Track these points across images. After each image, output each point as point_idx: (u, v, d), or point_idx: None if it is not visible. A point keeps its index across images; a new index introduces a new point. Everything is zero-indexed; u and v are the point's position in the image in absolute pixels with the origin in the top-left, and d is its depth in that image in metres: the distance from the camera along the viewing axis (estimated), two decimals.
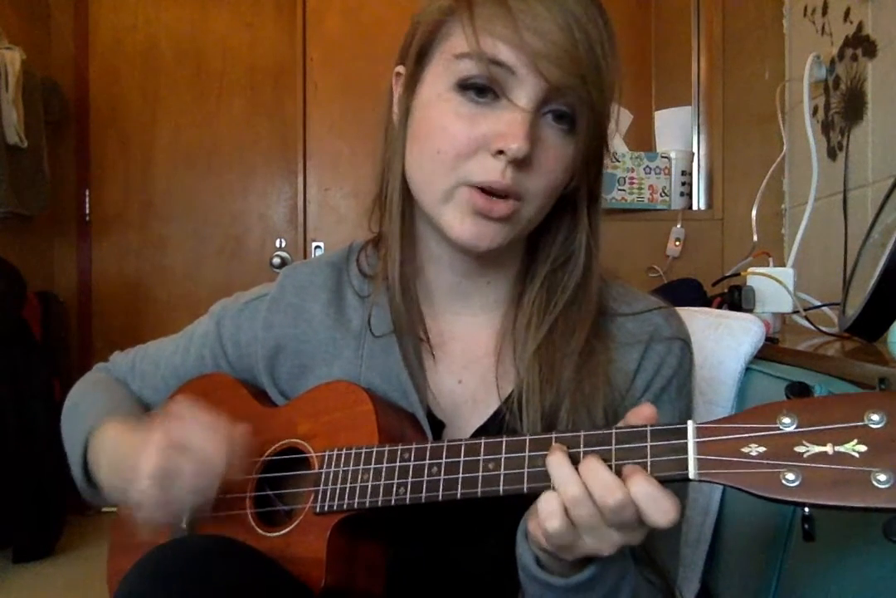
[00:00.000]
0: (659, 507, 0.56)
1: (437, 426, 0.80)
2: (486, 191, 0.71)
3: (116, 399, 0.95)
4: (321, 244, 2.91)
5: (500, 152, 0.70)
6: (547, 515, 0.58)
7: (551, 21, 0.68)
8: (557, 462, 0.59)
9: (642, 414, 0.60)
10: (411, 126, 0.77)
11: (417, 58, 0.76)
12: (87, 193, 3.29)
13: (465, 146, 0.71)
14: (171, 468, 0.72)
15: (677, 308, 0.86)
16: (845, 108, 1.52)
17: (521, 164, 0.70)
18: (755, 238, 1.69)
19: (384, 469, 0.70)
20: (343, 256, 0.90)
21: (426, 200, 0.76)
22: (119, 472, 0.79)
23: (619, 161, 2.05)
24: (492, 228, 0.73)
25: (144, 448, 0.73)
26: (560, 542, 0.59)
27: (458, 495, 0.65)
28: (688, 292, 1.64)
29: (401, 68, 0.80)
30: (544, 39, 0.68)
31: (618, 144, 2.08)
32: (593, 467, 0.58)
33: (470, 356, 0.83)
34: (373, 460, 0.71)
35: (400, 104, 0.79)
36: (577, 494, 0.57)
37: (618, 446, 0.59)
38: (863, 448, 0.50)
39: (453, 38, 0.72)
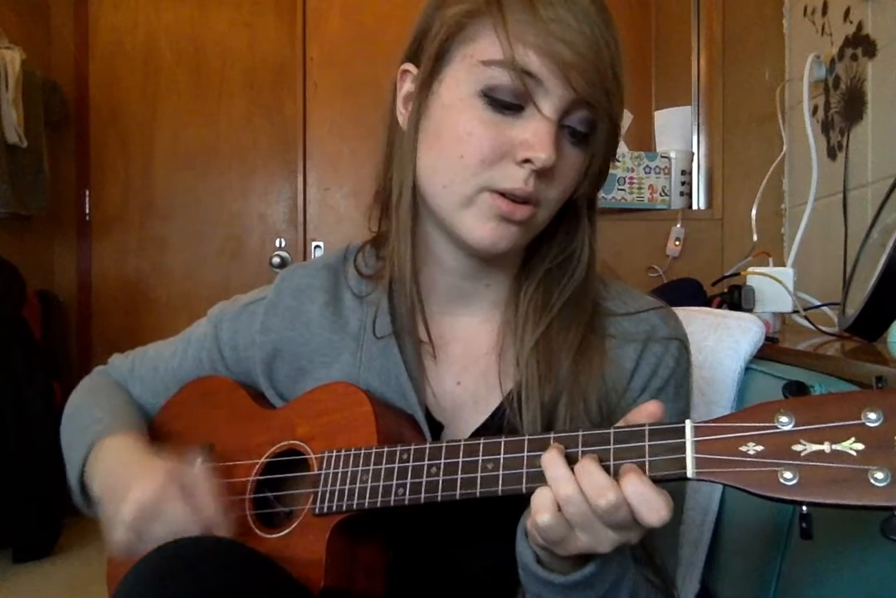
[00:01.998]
0: (651, 507, 0.56)
1: (436, 428, 0.80)
2: (508, 197, 0.72)
3: (117, 408, 0.94)
4: (321, 244, 2.90)
5: (527, 161, 0.70)
6: (539, 508, 0.59)
7: (580, 32, 0.67)
8: (551, 461, 0.60)
9: (647, 410, 0.60)
10: (426, 128, 0.75)
11: (436, 58, 0.74)
12: (87, 193, 3.29)
13: (490, 153, 0.71)
14: (143, 530, 0.73)
15: (677, 308, 0.86)
16: (845, 108, 1.52)
17: (543, 173, 0.71)
18: (755, 238, 1.69)
19: (383, 470, 0.70)
20: (340, 258, 0.90)
21: (442, 203, 0.75)
22: (108, 498, 0.79)
23: (619, 161, 2.05)
24: (511, 231, 0.73)
25: (132, 493, 0.74)
26: (552, 537, 0.59)
27: (458, 496, 0.65)
28: (687, 292, 1.64)
29: (409, 66, 0.78)
30: (574, 50, 0.67)
31: None
32: (589, 468, 0.58)
33: (470, 357, 0.83)
34: (372, 461, 0.71)
35: (410, 103, 0.77)
36: (570, 493, 0.58)
37: (616, 446, 0.59)
38: (860, 446, 0.50)
39: (479, 42, 0.71)
